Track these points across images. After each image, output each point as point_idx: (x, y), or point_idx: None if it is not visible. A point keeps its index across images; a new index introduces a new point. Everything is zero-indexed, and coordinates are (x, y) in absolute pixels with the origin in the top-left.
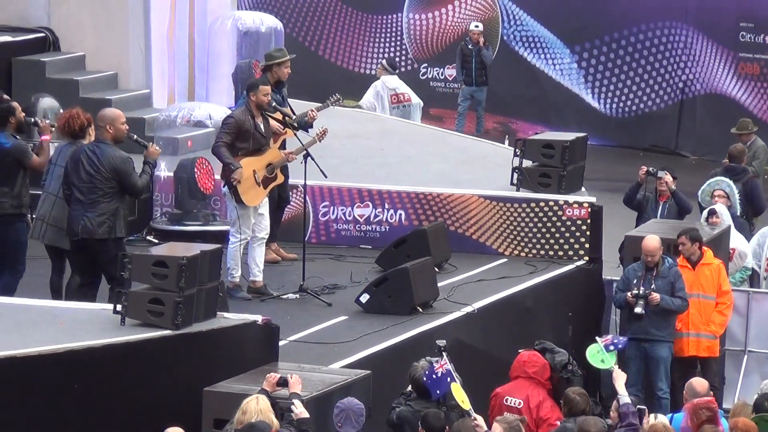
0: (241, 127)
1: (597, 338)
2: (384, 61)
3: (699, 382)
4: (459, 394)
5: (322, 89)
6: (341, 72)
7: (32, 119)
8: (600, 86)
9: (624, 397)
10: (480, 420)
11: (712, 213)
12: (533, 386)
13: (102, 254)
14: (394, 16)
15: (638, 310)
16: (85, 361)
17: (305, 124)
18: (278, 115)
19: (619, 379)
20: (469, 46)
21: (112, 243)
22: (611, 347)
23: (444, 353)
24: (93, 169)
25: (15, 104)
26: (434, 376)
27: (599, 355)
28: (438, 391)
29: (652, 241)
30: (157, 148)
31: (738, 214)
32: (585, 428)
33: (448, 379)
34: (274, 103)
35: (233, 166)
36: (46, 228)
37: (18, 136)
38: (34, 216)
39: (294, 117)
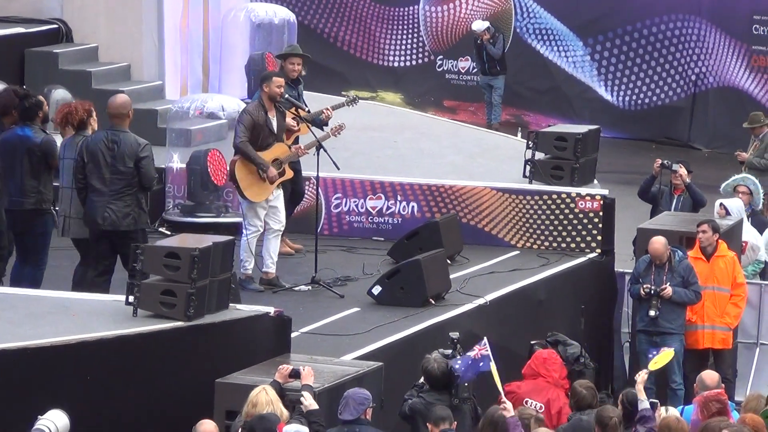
0: (255, 123)
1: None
2: None
3: (709, 375)
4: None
5: (339, 80)
6: (359, 63)
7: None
8: (613, 79)
9: (644, 401)
10: (508, 405)
11: (721, 205)
12: (552, 388)
13: (127, 247)
14: (412, 8)
15: (653, 313)
16: (98, 352)
17: (320, 122)
18: (293, 110)
19: (641, 383)
20: (478, 41)
21: (140, 234)
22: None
23: (457, 345)
24: (115, 160)
25: (41, 98)
26: (469, 362)
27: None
28: (468, 375)
29: (657, 245)
30: None
31: (759, 209)
32: (605, 414)
33: (481, 365)
34: (287, 96)
35: (263, 167)
36: (70, 222)
37: (46, 131)
38: (56, 209)
39: (308, 113)
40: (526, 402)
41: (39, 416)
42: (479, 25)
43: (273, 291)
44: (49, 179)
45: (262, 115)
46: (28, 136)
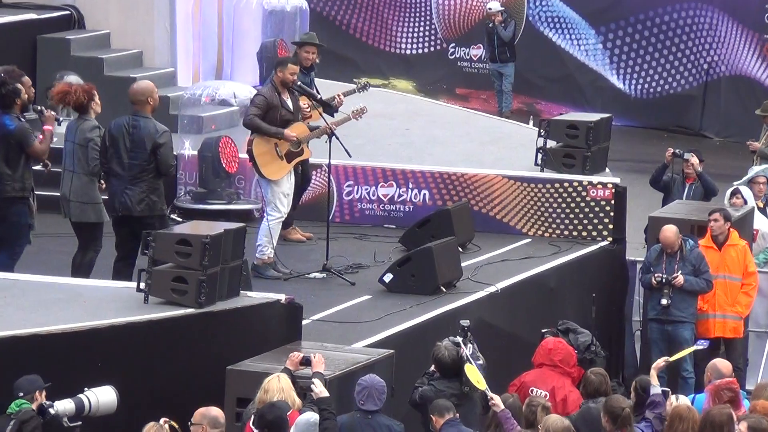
0: (269, 104)
1: None
2: None
3: (723, 363)
4: (473, 375)
5: (351, 68)
6: (371, 50)
7: (38, 107)
8: (625, 67)
9: (656, 387)
10: (497, 399)
11: (735, 193)
12: (558, 376)
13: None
14: None
15: (664, 301)
16: (109, 339)
17: (331, 108)
18: (304, 98)
19: (656, 369)
20: (490, 25)
21: (157, 220)
22: None
23: (467, 333)
24: (133, 144)
25: (22, 83)
26: None
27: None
28: None
29: (669, 233)
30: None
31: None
32: (616, 404)
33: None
34: (299, 83)
35: (279, 134)
36: (71, 205)
37: (23, 119)
38: (36, 194)
39: (320, 100)
40: (532, 391)
41: (86, 387)
42: (495, 5)
43: (284, 278)
44: (27, 167)
45: (276, 97)
46: (3, 124)
